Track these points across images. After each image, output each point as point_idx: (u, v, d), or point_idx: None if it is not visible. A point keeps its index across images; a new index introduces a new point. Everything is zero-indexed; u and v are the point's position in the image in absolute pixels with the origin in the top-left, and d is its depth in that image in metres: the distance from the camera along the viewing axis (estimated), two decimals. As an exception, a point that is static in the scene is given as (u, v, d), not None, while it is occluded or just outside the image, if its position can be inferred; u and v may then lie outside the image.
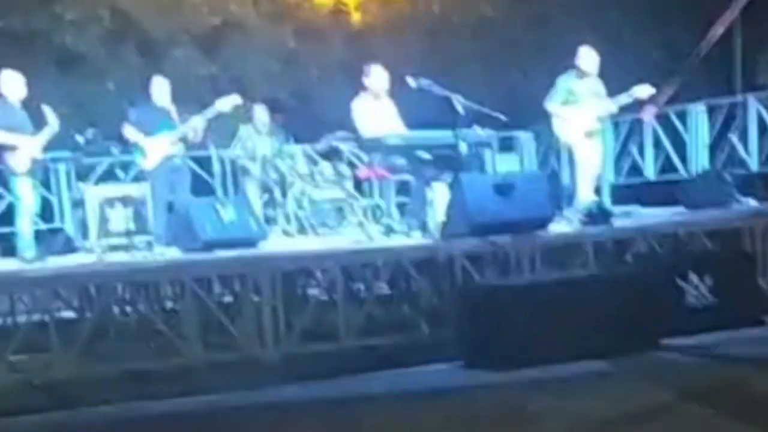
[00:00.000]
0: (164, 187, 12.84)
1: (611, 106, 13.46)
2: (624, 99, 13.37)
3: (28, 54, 15.92)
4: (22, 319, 10.81)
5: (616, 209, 13.03)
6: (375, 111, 12.50)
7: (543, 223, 11.37)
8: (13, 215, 12.46)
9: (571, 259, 11.39)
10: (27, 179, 12.14)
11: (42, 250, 12.12)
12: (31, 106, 12.30)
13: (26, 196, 12.18)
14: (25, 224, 12.20)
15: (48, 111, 12.18)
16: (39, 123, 12.22)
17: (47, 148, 12.44)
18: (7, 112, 12.19)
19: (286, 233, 13.51)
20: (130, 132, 12.90)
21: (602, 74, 13.60)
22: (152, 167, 12.87)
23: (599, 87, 13.51)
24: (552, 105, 13.46)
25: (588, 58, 13.44)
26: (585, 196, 13.30)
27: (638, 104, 14.24)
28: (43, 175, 12.76)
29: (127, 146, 13.36)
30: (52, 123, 12.20)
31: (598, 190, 13.88)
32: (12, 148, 12.01)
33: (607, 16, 18.62)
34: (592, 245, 11.34)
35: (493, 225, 10.96)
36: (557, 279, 10.29)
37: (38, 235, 12.45)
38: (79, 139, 12.98)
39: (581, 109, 13.40)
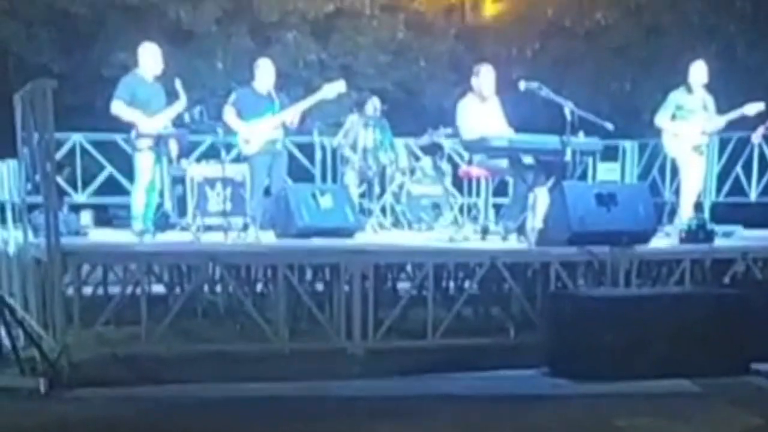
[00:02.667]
0: (263, 170, 12.81)
1: (719, 121, 13.30)
2: (733, 116, 13.21)
3: (141, 28, 16.11)
4: (114, 290, 10.92)
5: (718, 228, 12.79)
6: (481, 113, 12.39)
7: (644, 236, 11.20)
8: (112, 187, 12.54)
9: (667, 275, 11.22)
10: (148, 154, 12.22)
11: (151, 226, 12.20)
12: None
13: (145, 169, 12.26)
14: (140, 197, 12.29)
15: (179, 86, 12.27)
16: (171, 97, 12.34)
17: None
18: (139, 86, 12.24)
19: (381, 225, 13.50)
20: (230, 116, 12.82)
21: (713, 89, 13.44)
22: (253, 151, 12.81)
23: (709, 102, 13.40)
24: (662, 119, 13.38)
25: (699, 73, 13.33)
26: (686, 211, 13.13)
27: (745, 122, 13.99)
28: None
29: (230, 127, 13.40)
30: (181, 99, 12.29)
31: (699, 207, 13.67)
32: (134, 124, 12.14)
33: (721, 31, 18.33)
34: (690, 263, 11.14)
35: (592, 234, 10.82)
36: (651, 294, 10.15)
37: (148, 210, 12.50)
38: (185, 116, 13.03)
39: (690, 124, 13.25)
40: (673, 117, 13.34)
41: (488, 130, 12.12)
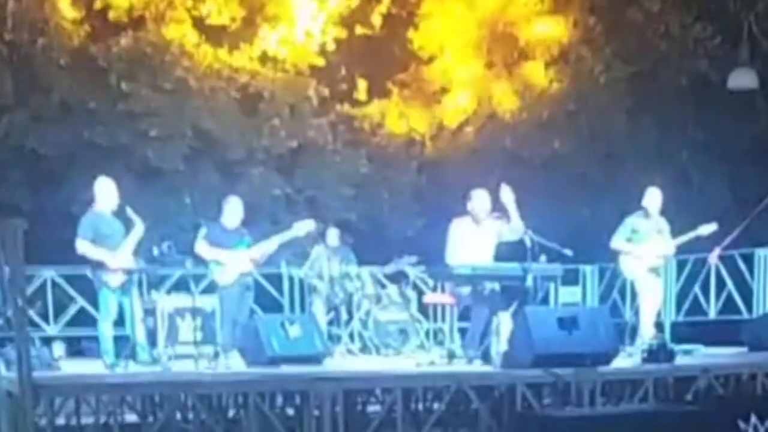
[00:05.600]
0: (234, 301, 13.04)
1: (673, 244, 13.72)
2: (687, 237, 13.66)
3: (110, 166, 16.42)
4: (87, 420, 10.99)
5: (678, 347, 13.06)
6: (471, 237, 12.59)
7: (606, 357, 11.45)
8: (83, 319, 12.67)
9: (631, 395, 11.42)
10: (113, 288, 12.43)
11: (122, 357, 12.33)
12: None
13: (111, 306, 12.46)
14: (108, 332, 12.44)
15: (131, 213, 12.53)
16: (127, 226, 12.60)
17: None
18: (99, 222, 12.53)
19: (350, 352, 13.70)
20: (203, 248, 13.07)
21: (669, 212, 13.84)
22: (228, 282, 13.01)
23: (663, 225, 13.85)
24: (617, 242, 13.75)
25: (653, 199, 13.76)
26: (647, 331, 13.40)
27: (702, 244, 14.39)
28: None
29: (199, 259, 13.62)
30: (138, 225, 12.54)
31: (659, 327, 13.95)
32: (103, 264, 12.36)
33: (675, 157, 18.86)
34: (653, 381, 11.36)
35: (556, 357, 11.06)
36: (616, 413, 10.32)
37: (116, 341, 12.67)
38: (155, 251, 13.28)
39: (645, 246, 13.63)
40: (629, 240, 13.74)
41: (473, 256, 12.34)
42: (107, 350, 12.36)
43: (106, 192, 12.63)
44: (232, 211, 13.27)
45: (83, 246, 12.37)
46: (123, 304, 12.51)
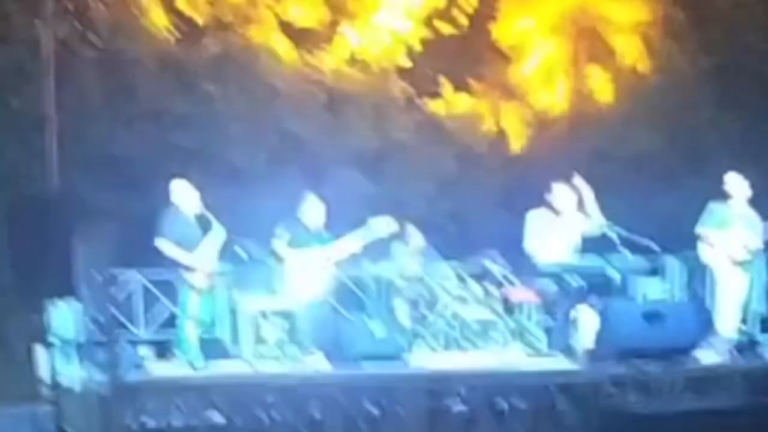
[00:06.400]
0: (315, 299, 13.11)
1: (758, 239, 13.33)
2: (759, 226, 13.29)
3: (196, 168, 16.65)
4: (176, 422, 11.15)
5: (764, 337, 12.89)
6: (551, 228, 12.56)
7: (691, 352, 11.38)
8: (172, 322, 12.88)
9: (718, 390, 11.32)
10: (195, 288, 12.59)
11: (207, 359, 12.49)
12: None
13: (193, 305, 12.62)
14: (192, 333, 12.61)
15: (212, 218, 12.69)
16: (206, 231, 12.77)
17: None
18: (180, 223, 12.71)
19: (433, 349, 13.73)
20: (279, 246, 13.18)
21: (760, 208, 13.53)
22: (307, 283, 13.09)
23: (752, 216, 13.41)
24: (702, 229, 13.41)
25: (735, 183, 13.40)
26: (730, 325, 13.13)
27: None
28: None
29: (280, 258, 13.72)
30: (217, 229, 12.69)
31: (746, 320, 13.72)
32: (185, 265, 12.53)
33: (762, 150, 18.57)
34: (740, 377, 11.25)
35: (641, 352, 11.01)
36: (704, 409, 10.24)
37: (201, 342, 12.83)
38: (240, 251, 13.42)
39: (730, 236, 13.33)
40: (716, 228, 13.40)
41: (550, 247, 12.31)
42: (190, 350, 12.51)
43: (183, 194, 12.79)
44: (312, 210, 13.34)
45: (163, 245, 12.53)
46: (209, 305, 12.67)
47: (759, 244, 13.52)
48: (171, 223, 12.70)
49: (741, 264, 13.43)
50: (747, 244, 13.43)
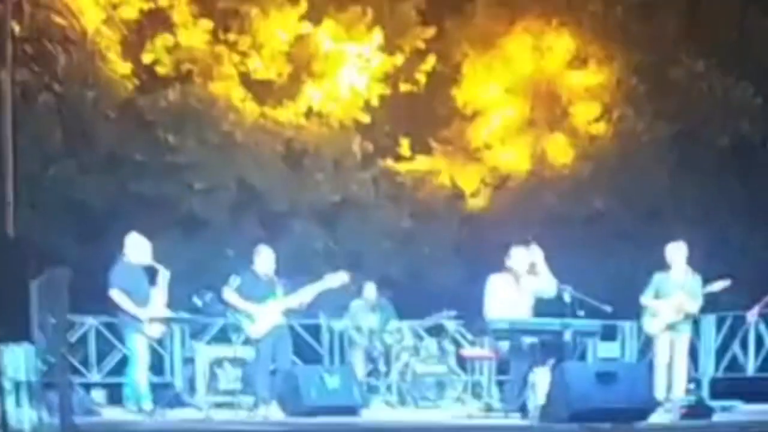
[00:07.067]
0: (269, 352, 13.10)
1: (694, 303, 13.60)
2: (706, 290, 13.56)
3: (155, 217, 16.68)
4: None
5: (716, 404, 13.00)
6: (510, 292, 12.65)
7: (643, 413, 11.44)
8: (123, 367, 12.86)
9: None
10: (143, 335, 12.62)
11: (158, 404, 12.46)
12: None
13: (141, 351, 12.64)
14: (142, 377, 12.60)
15: (155, 263, 12.75)
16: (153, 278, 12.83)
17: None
18: (129, 274, 12.78)
19: (387, 404, 13.75)
20: (231, 297, 13.20)
21: (709, 272, 13.75)
22: (260, 334, 13.09)
23: (690, 281, 13.67)
24: (644, 298, 13.71)
25: (675, 252, 13.70)
26: (676, 388, 13.25)
27: (742, 301, 14.35)
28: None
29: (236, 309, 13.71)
30: (162, 272, 12.73)
31: (697, 383, 13.87)
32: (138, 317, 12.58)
33: (717, 217, 18.85)
34: (689, 438, 11.33)
35: (593, 412, 11.06)
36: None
37: (155, 389, 12.81)
38: (197, 301, 13.44)
39: (667, 302, 13.60)
40: (656, 296, 13.70)
41: (511, 310, 12.39)
42: (140, 396, 12.49)
43: (137, 246, 12.87)
44: (263, 259, 13.35)
45: (116, 295, 12.62)
46: (160, 353, 12.68)
47: (694, 308, 13.72)
48: (122, 273, 12.80)
49: (672, 327, 13.64)
50: (682, 307, 13.64)
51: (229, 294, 13.13)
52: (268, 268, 13.28)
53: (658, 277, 13.76)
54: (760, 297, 14.32)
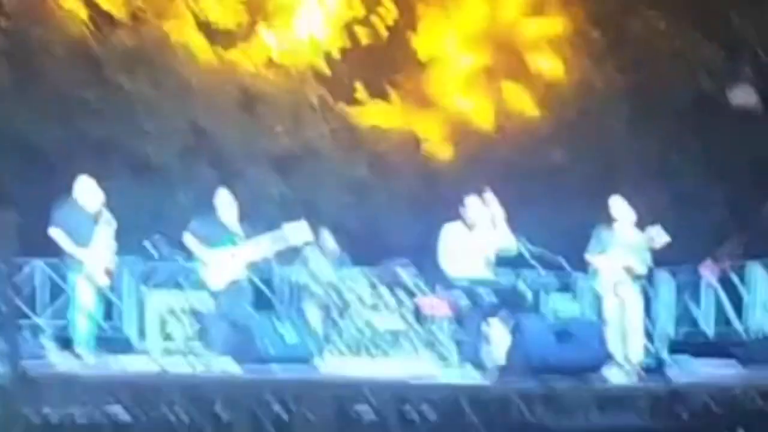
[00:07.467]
0: (226, 300, 12.89)
1: (639, 262, 13.28)
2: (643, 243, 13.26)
3: (105, 159, 16.39)
4: (80, 417, 10.86)
5: (673, 359, 13.01)
6: (465, 242, 12.52)
7: (598, 369, 11.47)
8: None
9: (625, 408, 11.36)
10: (86, 279, 12.37)
11: (101, 350, 12.27)
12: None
13: (84, 293, 12.39)
14: (81, 321, 12.36)
15: (106, 212, 12.46)
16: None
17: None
18: (75, 216, 12.50)
19: (341, 353, 13.65)
20: (190, 241, 12.91)
21: (667, 227, 13.57)
22: (219, 286, 12.83)
23: (635, 237, 13.28)
24: (588, 255, 13.37)
25: (619, 207, 13.34)
26: (632, 346, 13.11)
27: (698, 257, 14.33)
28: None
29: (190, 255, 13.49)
30: (108, 220, 12.46)
31: (653, 340, 13.84)
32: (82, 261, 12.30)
33: (675, 170, 18.88)
34: (646, 397, 11.32)
35: (550, 368, 11.07)
36: (610, 426, 10.28)
37: (98, 334, 12.59)
38: (147, 245, 13.19)
39: (608, 259, 13.25)
40: (601, 252, 13.24)
41: (465, 260, 12.29)
42: (81, 341, 12.26)
43: (86, 190, 12.55)
44: (224, 202, 13.04)
45: (55, 233, 12.34)
46: (105, 299, 12.46)
47: (642, 269, 13.41)
48: (66, 214, 12.50)
49: (620, 285, 13.27)
50: (629, 267, 13.28)
51: (188, 238, 12.83)
52: (231, 215, 12.97)
53: (601, 233, 13.28)
54: (716, 252, 14.33)
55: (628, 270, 13.25)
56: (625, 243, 13.26)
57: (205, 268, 12.76)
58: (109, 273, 12.52)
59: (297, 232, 12.89)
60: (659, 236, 13.11)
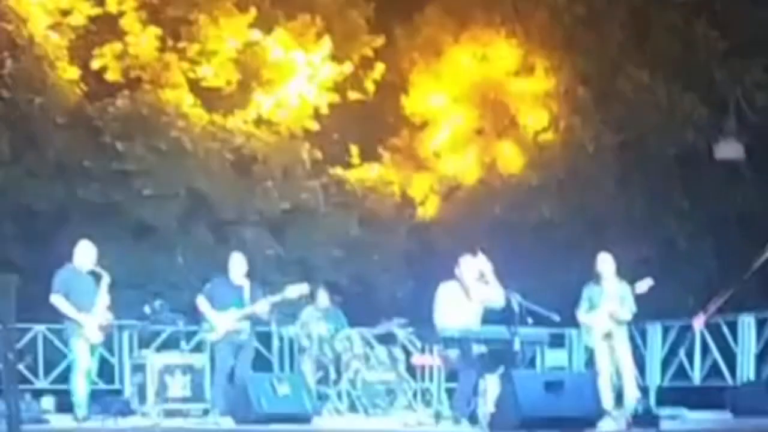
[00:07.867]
0: (226, 359, 13.15)
1: (626, 310, 13.73)
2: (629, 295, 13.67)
3: (104, 224, 16.62)
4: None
5: (664, 411, 13.15)
6: (460, 301, 12.73)
7: (591, 421, 11.56)
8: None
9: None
10: (84, 341, 12.63)
11: (97, 411, 12.45)
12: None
13: (83, 357, 12.63)
14: (80, 384, 12.58)
15: (98, 268, 12.78)
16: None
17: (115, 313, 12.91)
18: (72, 278, 12.90)
19: (338, 411, 13.79)
20: (202, 304, 13.26)
21: (655, 280, 13.86)
22: (217, 339, 13.16)
23: (621, 290, 13.79)
24: (579, 314, 13.84)
25: (604, 263, 13.83)
26: (607, 399, 13.35)
27: (687, 310, 14.50)
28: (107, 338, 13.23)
29: (191, 317, 13.75)
30: (104, 277, 12.76)
31: (644, 391, 13.98)
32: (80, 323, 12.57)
33: (663, 225, 19.06)
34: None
35: (542, 420, 11.16)
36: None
37: (96, 396, 12.79)
38: (146, 309, 13.43)
39: (598, 315, 13.75)
40: (588, 310, 13.82)
41: (459, 320, 12.48)
42: (80, 403, 12.49)
43: (83, 252, 12.87)
44: (237, 265, 13.47)
45: (56, 300, 12.64)
46: (109, 360, 12.68)
47: (627, 315, 13.82)
48: (65, 279, 12.88)
49: (609, 336, 13.77)
50: (614, 315, 13.76)
51: (201, 300, 13.21)
52: (240, 275, 13.33)
53: (589, 290, 13.85)
54: (705, 305, 14.51)
55: (613, 316, 13.71)
56: (612, 294, 13.65)
57: (210, 329, 13.07)
58: (103, 329, 12.79)
59: (296, 290, 13.32)
60: (644, 283, 13.55)
